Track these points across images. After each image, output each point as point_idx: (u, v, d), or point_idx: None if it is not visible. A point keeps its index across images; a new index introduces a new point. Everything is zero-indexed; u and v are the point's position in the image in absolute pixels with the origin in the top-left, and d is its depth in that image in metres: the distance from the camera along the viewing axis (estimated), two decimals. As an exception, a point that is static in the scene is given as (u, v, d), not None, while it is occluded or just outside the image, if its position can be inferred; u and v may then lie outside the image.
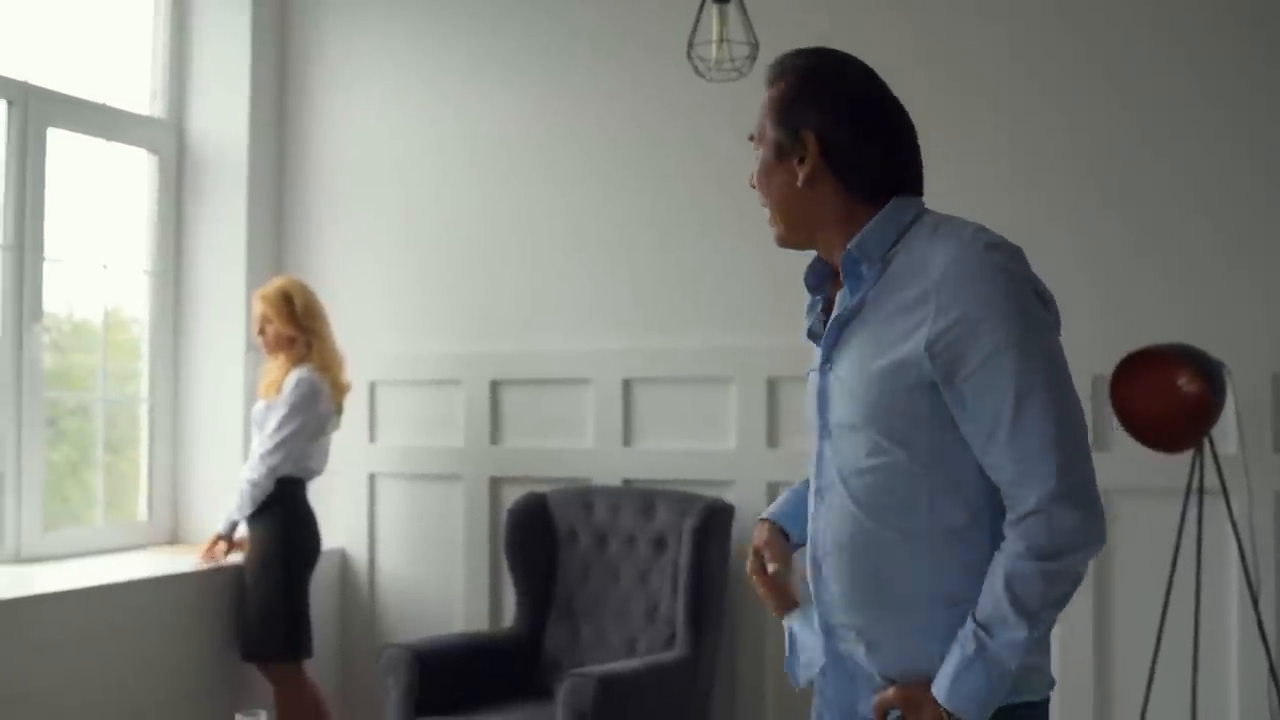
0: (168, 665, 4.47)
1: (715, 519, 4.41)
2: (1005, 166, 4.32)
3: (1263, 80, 4.07)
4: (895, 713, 1.93)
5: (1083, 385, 4.06)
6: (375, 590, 5.21)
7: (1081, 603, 4.11)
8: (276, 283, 4.74)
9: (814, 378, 2.04)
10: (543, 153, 5.01)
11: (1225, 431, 3.93)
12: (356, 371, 5.02)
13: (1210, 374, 3.68)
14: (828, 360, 1.99)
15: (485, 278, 5.08)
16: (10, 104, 4.62)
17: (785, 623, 2.22)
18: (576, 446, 4.89)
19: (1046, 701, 1.97)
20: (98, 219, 5.07)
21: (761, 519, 2.28)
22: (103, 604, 4.26)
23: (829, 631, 2.04)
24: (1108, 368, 3.89)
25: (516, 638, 4.62)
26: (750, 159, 2.11)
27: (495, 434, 5.03)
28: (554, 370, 4.94)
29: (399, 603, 5.16)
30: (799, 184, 1.99)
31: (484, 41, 5.13)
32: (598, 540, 4.63)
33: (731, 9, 3.62)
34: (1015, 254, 1.93)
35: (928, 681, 1.88)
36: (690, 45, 3.57)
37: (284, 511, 4.58)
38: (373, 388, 5.22)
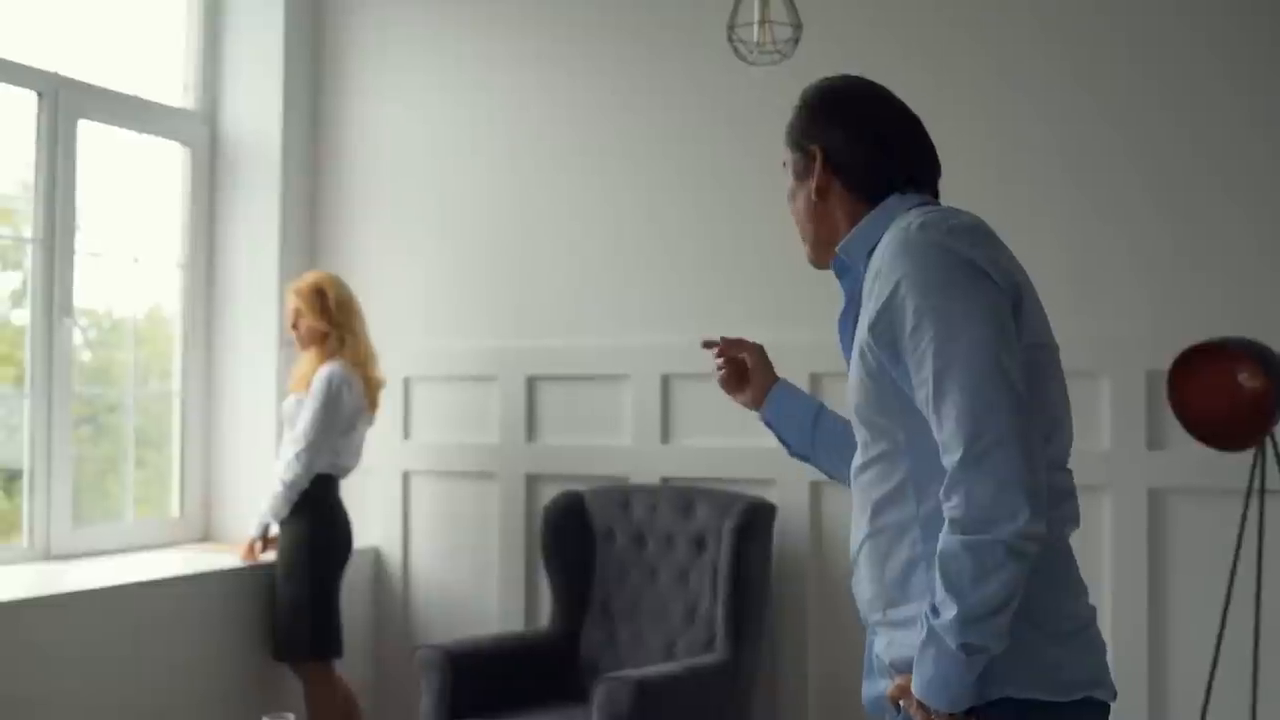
0: (198, 664, 4.43)
1: (756, 518, 4.31)
2: (1056, 166, 4.21)
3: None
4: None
5: (1136, 381, 4.02)
6: (409, 590, 5.15)
7: (1135, 607, 4.03)
8: (310, 277, 4.69)
9: None
10: (580, 144, 4.93)
11: (1288, 429, 3.80)
12: (390, 367, 4.96)
13: (1272, 369, 3.56)
14: (847, 357, 2.08)
15: (522, 271, 5.00)
16: (41, 96, 4.58)
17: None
18: (614, 444, 4.80)
19: (1077, 705, 1.88)
20: (129, 212, 5.02)
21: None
22: (132, 602, 4.22)
23: (869, 630, 2.07)
24: (1162, 363, 3.79)
25: (552, 639, 4.55)
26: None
27: (531, 431, 4.95)
28: (591, 366, 4.85)
29: (433, 603, 5.09)
30: (813, 197, 2.13)
31: (520, 31, 5.05)
32: (635, 540, 4.54)
33: (774, -11, 3.52)
34: (952, 230, 1.91)
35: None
36: (731, 28, 3.46)
37: (315, 509, 4.53)
38: (407, 384, 5.15)
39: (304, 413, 4.51)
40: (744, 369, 2.47)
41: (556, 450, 4.90)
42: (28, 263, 4.59)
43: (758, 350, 2.48)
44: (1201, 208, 4.05)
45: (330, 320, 4.60)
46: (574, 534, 4.60)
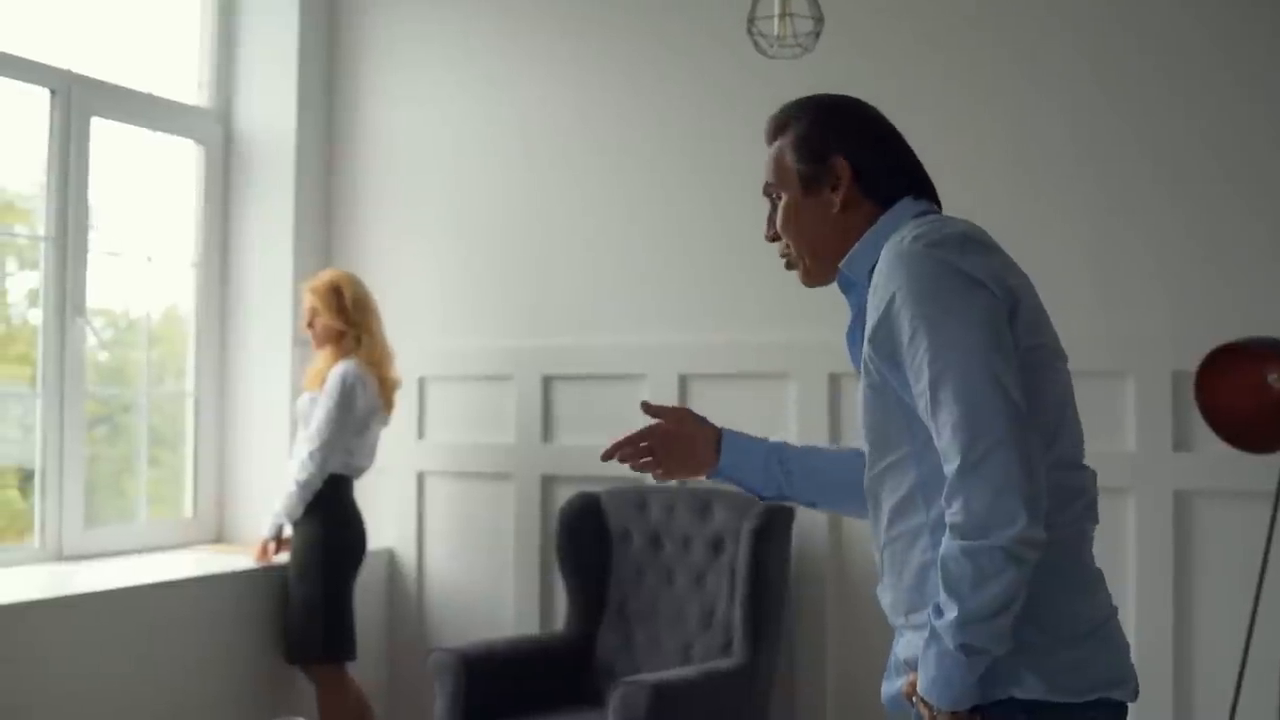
0: (210, 666, 4.41)
1: (775, 520, 4.26)
2: (1079, 167, 4.16)
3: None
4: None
5: (1162, 382, 3.96)
6: (423, 592, 5.11)
7: (1160, 610, 3.98)
8: (326, 275, 4.67)
9: None
10: (596, 141, 4.89)
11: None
12: (405, 367, 4.93)
13: (1302, 370, 3.50)
14: (856, 366, 2.08)
15: (538, 270, 4.97)
16: (54, 93, 4.57)
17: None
18: (631, 444, 4.75)
19: (1090, 706, 1.87)
20: (143, 211, 5.00)
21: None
22: (144, 604, 4.20)
23: (897, 633, 2.07)
24: (1188, 363, 3.74)
25: (568, 642, 4.51)
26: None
27: (547, 431, 4.91)
28: (608, 365, 4.81)
29: (447, 605, 5.06)
30: (835, 210, 2.08)
31: (535, 29, 5.02)
32: (652, 542, 4.49)
33: (795, -20, 3.48)
34: (945, 240, 1.91)
35: None
36: (751, 21, 3.42)
37: (328, 510, 4.50)
38: (422, 383, 5.12)
39: (318, 411, 4.48)
40: (677, 441, 2.30)
41: (572, 451, 4.86)
42: (40, 265, 4.57)
43: (683, 413, 2.34)
44: (1226, 208, 4.00)
45: (346, 319, 4.57)
46: (590, 536, 4.56)
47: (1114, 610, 1.97)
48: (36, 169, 4.59)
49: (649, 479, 4.62)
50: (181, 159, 5.16)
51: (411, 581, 5.13)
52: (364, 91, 5.33)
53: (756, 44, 3.47)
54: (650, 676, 3.87)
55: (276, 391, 5.11)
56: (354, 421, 4.51)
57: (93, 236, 4.67)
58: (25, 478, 4.62)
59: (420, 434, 5.13)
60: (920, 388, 1.85)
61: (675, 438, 2.30)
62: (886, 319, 1.90)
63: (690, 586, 4.40)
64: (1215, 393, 3.62)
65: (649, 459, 2.30)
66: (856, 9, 4.26)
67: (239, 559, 4.69)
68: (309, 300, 4.61)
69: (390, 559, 5.15)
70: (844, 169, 2.06)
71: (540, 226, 4.98)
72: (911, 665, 1.94)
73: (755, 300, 4.59)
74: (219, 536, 5.18)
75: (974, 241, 1.93)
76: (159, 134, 5.02)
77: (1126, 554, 4.01)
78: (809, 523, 4.41)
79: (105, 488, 4.87)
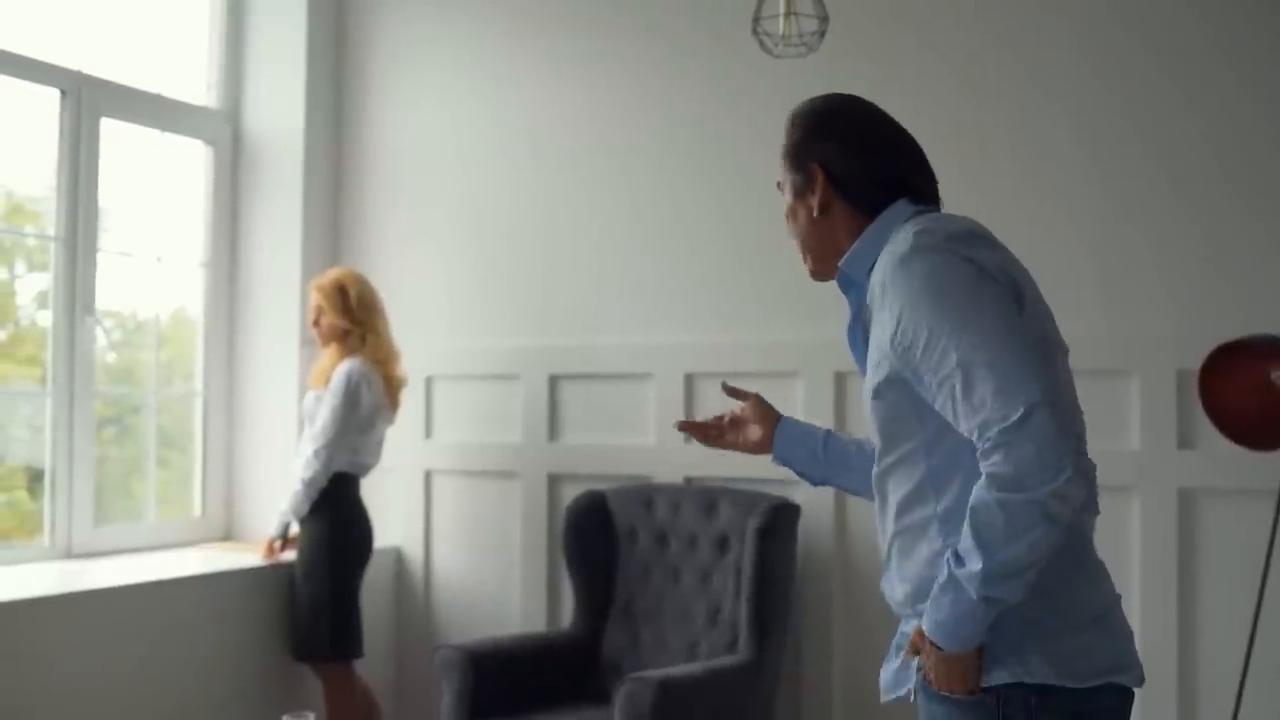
0: (218, 663, 4.42)
1: (780, 519, 4.27)
2: (1083, 167, 4.17)
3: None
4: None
5: (1166, 380, 3.97)
6: (430, 590, 5.13)
7: (1165, 608, 3.98)
8: (332, 273, 4.68)
9: None
10: (603, 141, 4.90)
11: (1321, 429, 3.74)
12: (412, 366, 4.94)
13: (1305, 367, 3.50)
14: (859, 364, 2.16)
15: (544, 270, 4.98)
16: (64, 94, 4.58)
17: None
18: (637, 443, 4.77)
19: (1096, 690, 1.91)
20: (152, 211, 5.02)
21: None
22: (153, 600, 4.21)
23: (903, 621, 2.11)
24: (1192, 362, 3.75)
25: (574, 639, 4.52)
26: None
27: (554, 430, 4.92)
28: (614, 365, 4.82)
29: (454, 602, 5.07)
30: (815, 214, 2.17)
31: (543, 29, 5.03)
32: (658, 540, 4.51)
33: (799, -20, 3.49)
34: (950, 235, 1.97)
35: None
36: (756, 20, 3.43)
37: (334, 509, 4.51)
38: (429, 383, 5.13)
39: (323, 409, 4.49)
40: (747, 424, 2.47)
41: (579, 450, 4.87)
42: (51, 266, 4.59)
43: (756, 398, 2.48)
44: (1229, 208, 4.00)
45: (352, 318, 4.58)
46: (596, 534, 4.57)
47: (1118, 599, 2.01)
48: (45, 171, 4.61)
49: (654, 477, 4.65)
50: (190, 159, 5.18)
51: (419, 580, 5.14)
52: (372, 92, 5.34)
53: (762, 43, 3.49)
54: (656, 673, 3.87)
55: (285, 390, 5.12)
56: (359, 419, 4.52)
57: (102, 237, 4.69)
58: (34, 478, 4.64)
59: (428, 433, 5.15)
60: (944, 375, 1.87)
61: (746, 421, 2.46)
62: (903, 317, 1.93)
63: (696, 584, 4.41)
64: (1219, 391, 3.62)
65: (717, 435, 2.49)
66: (861, 9, 4.27)
67: (247, 557, 4.70)
68: (315, 299, 4.62)
69: (397, 557, 5.17)
70: (819, 176, 2.15)
71: (547, 227, 4.99)
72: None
73: (760, 300, 4.60)
74: (227, 535, 5.19)
75: (977, 236, 1.98)
76: (168, 134, 5.04)
77: (1131, 551, 4.01)
78: (814, 520, 4.42)
79: (113, 489, 4.88)
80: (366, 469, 4.64)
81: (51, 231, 4.59)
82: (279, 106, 5.24)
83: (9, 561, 4.35)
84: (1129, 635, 1.99)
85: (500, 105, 5.10)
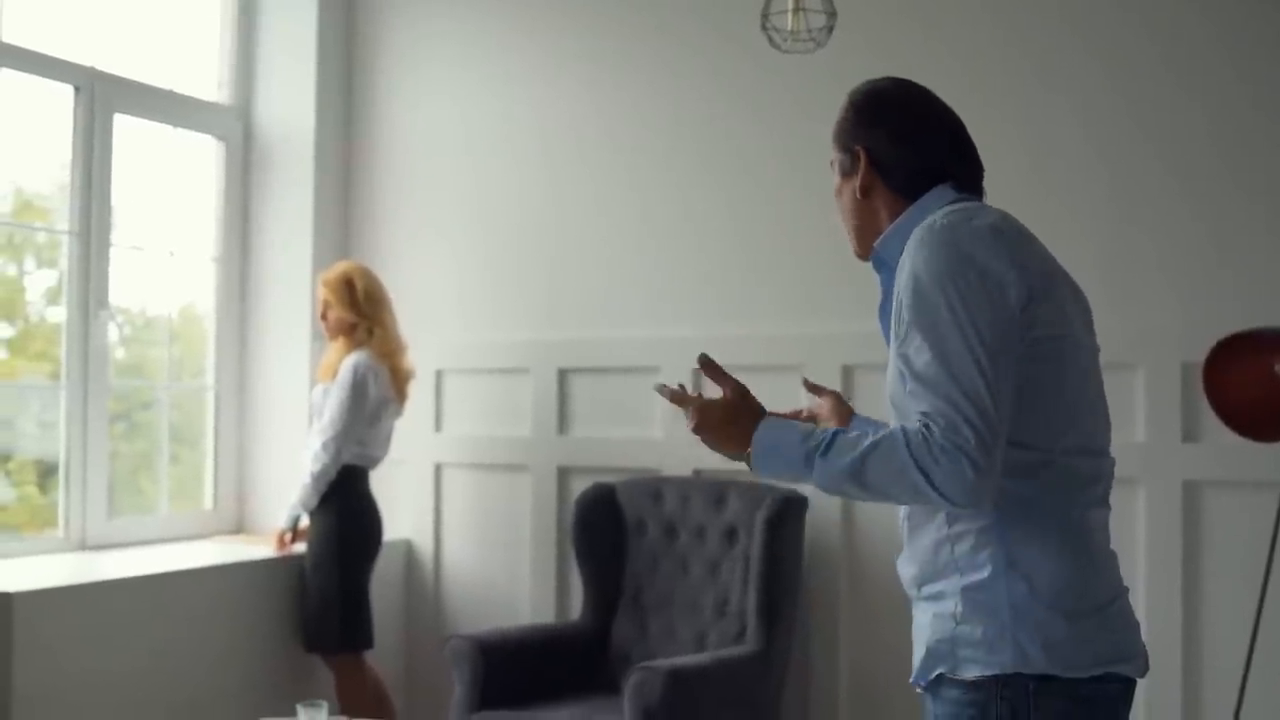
0: (230, 654, 4.45)
1: (788, 510, 4.30)
2: (1087, 162, 4.20)
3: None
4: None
5: (1171, 373, 3.99)
6: (440, 582, 5.16)
7: (1169, 599, 4.01)
8: (339, 267, 4.70)
9: None
10: (612, 137, 4.93)
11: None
12: (422, 360, 4.97)
13: (1309, 359, 3.53)
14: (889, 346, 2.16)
15: (554, 264, 5.01)
16: (77, 90, 4.62)
17: None
18: (646, 436, 4.80)
19: (1096, 680, 1.94)
20: (164, 207, 5.06)
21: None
22: (165, 591, 4.24)
23: (914, 604, 2.14)
24: (1197, 355, 3.77)
25: (583, 631, 4.55)
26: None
27: (563, 423, 4.95)
28: (623, 358, 4.85)
29: (464, 594, 5.10)
30: (858, 195, 2.21)
31: (552, 24, 5.06)
32: (667, 532, 4.54)
33: (808, -24, 3.52)
34: (971, 231, 1.99)
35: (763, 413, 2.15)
36: (765, 15, 3.46)
37: (343, 501, 4.54)
38: (439, 376, 5.16)
39: (330, 402, 4.52)
40: (825, 420, 2.56)
41: (588, 443, 4.90)
42: (63, 260, 4.63)
43: (835, 394, 2.59)
44: (1233, 203, 4.02)
45: (358, 311, 4.61)
46: (605, 526, 4.60)
47: (1123, 590, 2.03)
48: (55, 168, 4.64)
49: (663, 470, 4.68)
50: (202, 155, 5.21)
51: (429, 572, 5.18)
52: (382, 88, 5.37)
53: (770, 39, 3.51)
54: (665, 663, 3.90)
55: (296, 384, 5.15)
56: (366, 412, 4.55)
57: (114, 232, 4.73)
58: (44, 472, 4.67)
59: (438, 426, 5.18)
60: (905, 332, 1.96)
61: (822, 418, 2.55)
62: (901, 304, 1.99)
63: (705, 575, 4.44)
64: (1223, 383, 3.65)
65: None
66: (869, 4, 4.30)
67: (259, 549, 4.73)
68: (322, 292, 4.64)
69: (408, 549, 5.20)
70: (862, 159, 2.19)
71: (556, 222, 5.02)
72: (931, 650, 2.02)
73: (768, 294, 4.63)
74: (239, 528, 5.23)
75: (1001, 233, 2.00)
76: (180, 130, 5.07)
77: (1136, 543, 4.04)
78: (822, 512, 4.45)
79: (122, 484, 4.90)
80: (375, 461, 4.67)
81: (59, 227, 4.63)
82: (290, 103, 5.27)
83: (25, 553, 4.39)
84: (1134, 626, 2.02)
85: (510, 101, 5.13)
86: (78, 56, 4.62)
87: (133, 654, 4.09)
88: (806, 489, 4.43)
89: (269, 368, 5.24)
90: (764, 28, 3.47)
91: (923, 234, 2.00)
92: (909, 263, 1.99)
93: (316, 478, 4.50)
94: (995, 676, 1.92)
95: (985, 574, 1.95)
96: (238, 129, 5.27)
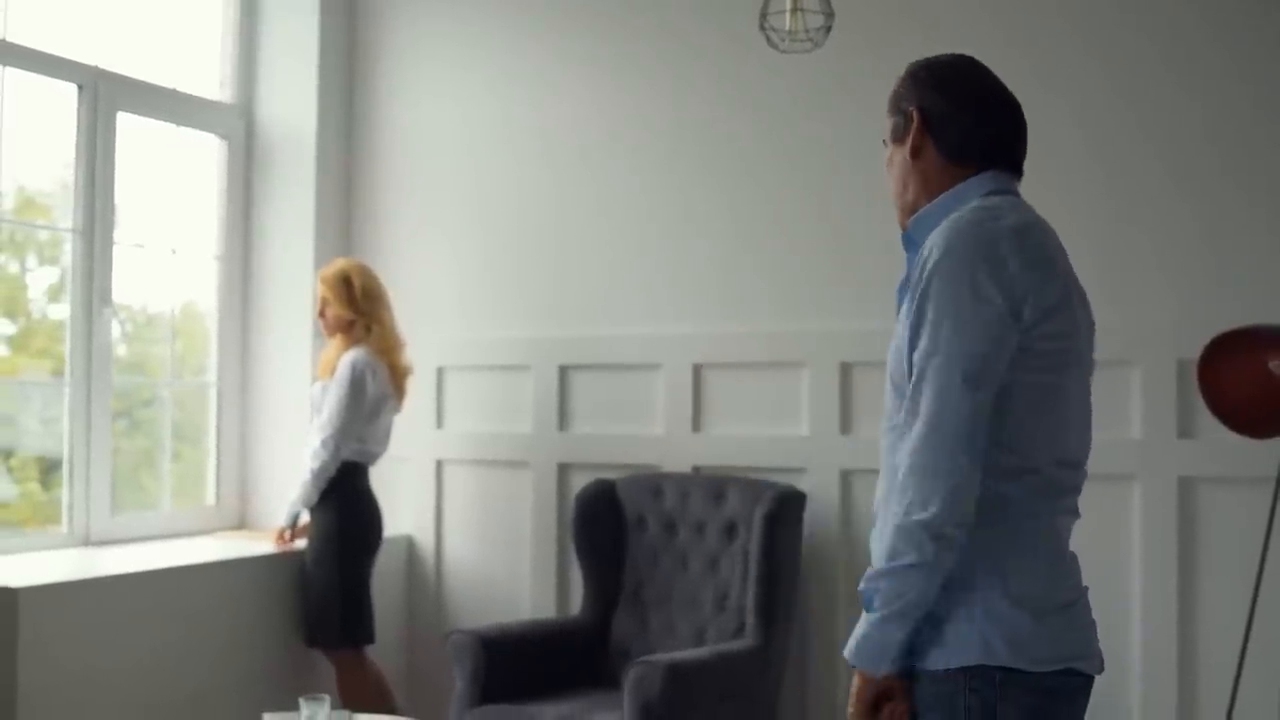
0: (233, 648, 4.47)
1: (787, 506, 4.33)
2: (1085, 161, 4.22)
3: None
4: None
5: (1167, 370, 4.02)
6: (442, 577, 5.18)
7: (1165, 594, 4.04)
8: (337, 264, 4.72)
9: None
10: (612, 135, 4.95)
11: (1319, 417, 3.79)
12: (424, 357, 5.00)
13: (1303, 356, 3.55)
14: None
15: (555, 262, 5.03)
16: (80, 88, 4.64)
17: None
18: (646, 433, 4.83)
19: (1057, 675, 1.99)
20: (167, 205, 5.08)
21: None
22: (169, 587, 4.27)
23: None
24: (1192, 351, 3.80)
25: (584, 625, 4.57)
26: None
27: (564, 420, 4.98)
28: (623, 355, 4.88)
29: (466, 590, 5.13)
30: (908, 156, 2.19)
31: (553, 23, 5.08)
32: (667, 527, 4.56)
33: (805, -23, 3.55)
34: (1000, 230, 2.02)
35: None
36: (763, 15, 3.49)
37: (343, 497, 4.56)
38: (440, 373, 5.18)
39: (329, 399, 4.55)
40: None
41: (589, 439, 4.93)
42: (65, 257, 4.65)
43: None
44: (1229, 200, 4.05)
45: (356, 308, 4.62)
46: (606, 522, 4.62)
47: (1084, 592, 2.09)
48: (57, 167, 4.67)
49: (663, 466, 4.71)
50: (204, 153, 5.23)
51: (430, 567, 5.20)
52: (384, 87, 5.39)
53: (768, 39, 3.54)
54: (664, 657, 3.92)
55: (297, 381, 5.17)
56: (365, 409, 4.56)
57: (117, 230, 4.75)
58: (46, 469, 4.70)
59: (439, 423, 5.20)
60: (913, 359, 2.00)
61: None
62: (918, 285, 2.01)
63: (704, 571, 4.46)
64: (1218, 380, 3.66)
65: None
66: (867, 4, 4.32)
67: (261, 544, 4.76)
68: (320, 290, 4.66)
69: (409, 545, 5.22)
70: (913, 115, 2.19)
71: (557, 220, 5.04)
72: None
73: (768, 291, 4.65)
74: (241, 524, 5.25)
75: (1023, 233, 2.03)
76: (183, 129, 5.09)
77: (1132, 538, 4.07)
78: (821, 508, 4.47)
79: (125, 482, 4.91)
80: (374, 457, 4.69)
81: (61, 225, 4.65)
82: (292, 101, 5.29)
83: (29, 549, 4.42)
84: (1092, 626, 2.08)
85: (511, 100, 5.15)
86: (81, 56, 4.65)
87: (136, 648, 4.11)
88: (804, 485, 4.47)
89: (271, 365, 5.27)
90: (762, 27, 3.50)
91: (947, 230, 2.02)
92: (929, 256, 2.01)
93: (316, 475, 4.52)
94: (963, 669, 1.96)
95: (959, 568, 1.98)
96: (240, 127, 5.30)
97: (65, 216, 4.66)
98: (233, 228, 5.28)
